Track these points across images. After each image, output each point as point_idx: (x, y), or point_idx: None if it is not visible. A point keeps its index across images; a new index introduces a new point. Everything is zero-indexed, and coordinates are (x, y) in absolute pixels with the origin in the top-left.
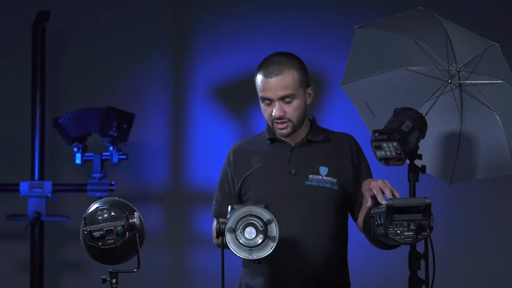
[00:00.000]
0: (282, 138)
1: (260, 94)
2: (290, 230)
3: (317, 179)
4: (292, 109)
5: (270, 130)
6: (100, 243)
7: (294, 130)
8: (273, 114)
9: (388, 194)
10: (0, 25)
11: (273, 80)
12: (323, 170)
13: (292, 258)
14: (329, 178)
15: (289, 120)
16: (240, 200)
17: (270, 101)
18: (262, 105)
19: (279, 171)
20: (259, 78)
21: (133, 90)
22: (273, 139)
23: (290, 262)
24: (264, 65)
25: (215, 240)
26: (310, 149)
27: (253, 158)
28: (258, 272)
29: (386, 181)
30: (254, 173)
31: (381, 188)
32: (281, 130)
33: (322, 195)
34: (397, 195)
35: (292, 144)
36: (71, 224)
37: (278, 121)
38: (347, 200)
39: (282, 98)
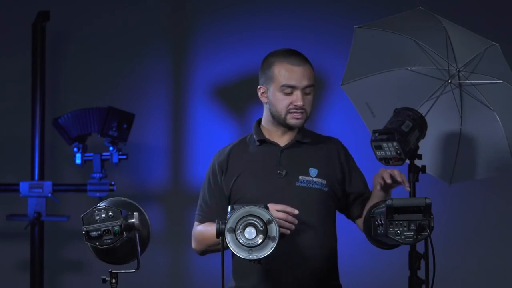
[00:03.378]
0: (271, 140)
1: (283, 82)
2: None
3: (307, 180)
4: (309, 102)
5: (259, 131)
6: (97, 243)
7: (304, 122)
8: (297, 102)
9: (399, 179)
10: (0, 25)
11: (301, 69)
12: (313, 171)
13: (283, 260)
14: (319, 180)
15: (305, 111)
16: (229, 203)
17: (292, 90)
18: (279, 94)
19: (269, 172)
20: (283, 66)
21: (133, 90)
22: (262, 141)
23: (281, 264)
24: (286, 55)
25: (198, 244)
26: (300, 150)
27: (242, 160)
28: (249, 275)
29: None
30: (244, 174)
31: (392, 175)
32: (298, 120)
33: (312, 196)
34: (406, 182)
35: (282, 145)
36: (71, 224)
37: (298, 110)
38: (337, 202)
39: (305, 87)
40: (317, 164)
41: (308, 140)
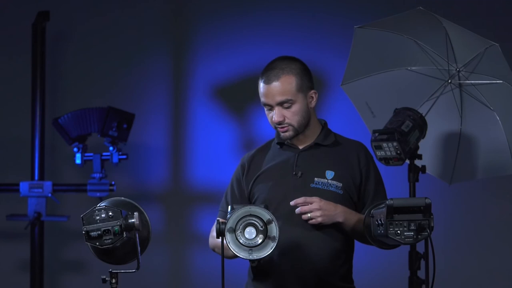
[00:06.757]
0: (290, 142)
1: (261, 100)
2: (293, 232)
3: (322, 182)
4: (291, 114)
5: (279, 134)
6: (97, 243)
7: (297, 133)
8: (274, 119)
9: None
10: (0, 25)
11: (272, 86)
12: (329, 173)
13: (295, 260)
14: (334, 182)
15: (290, 124)
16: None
17: (270, 107)
18: (265, 109)
19: (285, 173)
20: (260, 84)
21: (133, 90)
22: (282, 143)
23: (292, 264)
24: (266, 71)
25: (212, 241)
26: (318, 152)
27: (263, 162)
28: (261, 276)
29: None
30: (262, 175)
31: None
32: (284, 133)
33: (326, 198)
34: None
35: (300, 148)
36: (71, 224)
37: (278, 126)
38: (353, 206)
39: (280, 104)
40: (334, 166)
41: (329, 142)
